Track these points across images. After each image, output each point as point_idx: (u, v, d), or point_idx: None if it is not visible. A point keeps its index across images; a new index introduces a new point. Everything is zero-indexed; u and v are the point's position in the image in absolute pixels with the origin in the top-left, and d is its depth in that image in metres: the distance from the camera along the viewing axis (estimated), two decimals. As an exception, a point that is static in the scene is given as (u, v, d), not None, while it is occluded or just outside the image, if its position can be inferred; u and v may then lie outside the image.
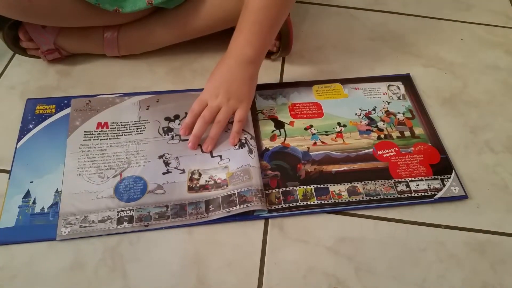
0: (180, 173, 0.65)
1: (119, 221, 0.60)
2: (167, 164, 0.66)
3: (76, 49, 0.79)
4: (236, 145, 0.68)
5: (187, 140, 0.68)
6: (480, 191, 0.67)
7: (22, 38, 0.76)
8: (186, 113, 0.71)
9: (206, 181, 0.64)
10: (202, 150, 0.68)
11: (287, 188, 0.65)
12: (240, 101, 0.68)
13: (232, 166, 0.65)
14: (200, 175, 0.65)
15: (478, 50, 0.90)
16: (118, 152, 0.67)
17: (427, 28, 0.94)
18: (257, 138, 0.70)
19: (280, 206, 0.63)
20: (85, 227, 0.60)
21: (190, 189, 0.64)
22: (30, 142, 0.68)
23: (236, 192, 0.62)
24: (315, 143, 0.71)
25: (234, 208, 0.61)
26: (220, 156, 0.67)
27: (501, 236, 0.63)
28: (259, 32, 0.66)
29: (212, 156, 0.67)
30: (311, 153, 0.70)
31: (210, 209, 0.61)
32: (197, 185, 0.64)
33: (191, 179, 0.65)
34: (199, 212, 0.61)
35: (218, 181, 0.64)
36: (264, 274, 0.58)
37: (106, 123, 0.71)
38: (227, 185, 0.63)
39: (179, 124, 0.71)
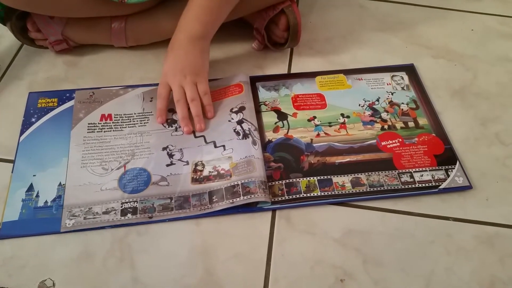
0: (184, 164, 0.65)
1: (123, 212, 0.61)
2: (171, 156, 0.66)
3: (84, 39, 0.79)
4: (212, 117, 0.70)
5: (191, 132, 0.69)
6: (489, 184, 0.67)
7: (30, 29, 0.76)
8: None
9: (210, 171, 0.64)
10: (195, 136, 0.69)
11: (290, 180, 0.65)
12: (196, 74, 0.69)
13: (236, 157, 0.65)
14: (203, 166, 0.65)
15: (488, 41, 0.89)
16: (122, 144, 0.68)
17: (437, 19, 0.93)
18: (260, 130, 0.70)
19: (283, 198, 0.63)
20: (89, 218, 0.60)
21: (194, 180, 0.64)
22: (32, 135, 0.69)
23: (239, 183, 0.62)
24: (318, 135, 0.71)
25: (238, 199, 0.61)
26: (224, 146, 0.67)
27: (510, 229, 0.62)
28: (208, 8, 0.67)
29: (215, 147, 0.67)
30: (314, 145, 0.69)
31: (214, 200, 0.61)
32: (201, 176, 0.64)
33: (194, 171, 0.65)
34: (202, 203, 0.61)
35: (222, 171, 0.64)
36: (271, 266, 0.58)
37: (109, 115, 0.71)
38: (231, 176, 0.63)
39: None
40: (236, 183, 0.62)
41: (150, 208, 0.61)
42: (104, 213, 0.60)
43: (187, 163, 0.66)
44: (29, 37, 0.78)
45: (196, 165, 0.65)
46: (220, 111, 0.71)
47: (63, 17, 0.75)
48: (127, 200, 0.62)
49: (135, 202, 0.62)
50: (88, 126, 0.69)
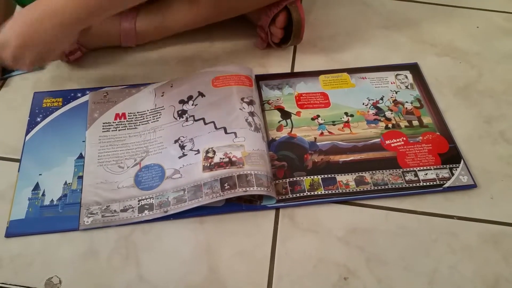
0: (195, 154, 0.65)
1: (140, 209, 0.61)
2: (182, 147, 0.66)
3: (96, 43, 0.80)
4: None
5: (201, 120, 0.68)
6: (494, 182, 0.66)
7: None
8: (199, 92, 0.71)
9: (221, 158, 0.63)
10: (205, 122, 0.68)
11: (294, 179, 0.65)
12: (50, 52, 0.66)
13: (248, 147, 0.64)
14: (214, 153, 0.64)
15: (494, 38, 0.88)
16: (136, 141, 0.68)
17: (442, 16, 0.92)
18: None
19: (287, 197, 0.63)
20: (107, 216, 0.61)
21: (205, 168, 0.63)
22: (38, 135, 0.69)
23: (253, 173, 0.61)
24: (322, 133, 0.71)
25: (252, 188, 0.60)
26: (235, 133, 0.66)
27: (514, 227, 0.62)
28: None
29: (226, 133, 0.66)
30: (318, 143, 0.69)
31: (226, 188, 0.60)
32: (212, 163, 0.63)
33: (205, 158, 0.64)
34: (214, 191, 0.60)
35: (234, 159, 0.63)
36: (275, 264, 0.58)
37: (123, 114, 0.72)
38: (243, 165, 0.62)
39: (192, 105, 0.71)
40: (249, 172, 0.61)
41: (165, 202, 0.61)
42: (122, 211, 0.61)
43: (198, 151, 0.65)
44: None
45: (207, 152, 0.64)
46: (231, 97, 0.70)
47: None
48: (144, 197, 0.62)
49: (151, 198, 0.62)
50: (103, 126, 0.70)
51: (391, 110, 0.74)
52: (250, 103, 0.70)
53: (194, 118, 0.69)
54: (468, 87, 0.79)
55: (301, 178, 0.65)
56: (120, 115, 0.72)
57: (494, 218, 0.63)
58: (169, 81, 0.75)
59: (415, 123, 0.72)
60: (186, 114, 0.70)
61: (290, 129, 0.71)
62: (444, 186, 0.65)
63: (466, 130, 0.72)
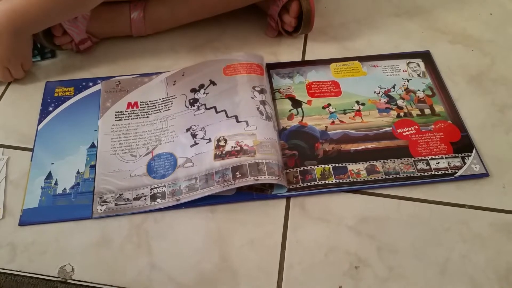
0: (207, 142, 0.65)
1: (153, 197, 0.62)
2: (194, 136, 0.67)
3: (106, 33, 0.80)
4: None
5: (212, 108, 0.68)
6: (506, 171, 0.66)
7: (56, 34, 0.75)
8: (211, 81, 0.71)
9: (232, 147, 0.63)
10: (216, 111, 0.68)
11: (305, 168, 0.65)
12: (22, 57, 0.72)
13: (260, 136, 0.64)
14: (226, 141, 0.64)
15: (508, 25, 0.87)
16: (148, 130, 0.69)
17: (454, 3, 0.91)
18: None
19: (298, 185, 0.63)
20: (120, 204, 0.61)
21: (217, 157, 0.63)
22: (50, 124, 0.70)
23: (264, 161, 0.61)
24: (333, 122, 0.70)
25: (263, 177, 0.60)
26: (246, 122, 0.66)
27: (527, 217, 0.62)
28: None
29: (237, 121, 0.66)
30: (329, 132, 0.69)
31: (237, 176, 0.60)
32: (223, 152, 0.63)
33: (217, 147, 0.64)
34: (226, 179, 0.60)
35: (245, 147, 0.63)
36: (286, 252, 0.58)
37: (136, 103, 0.72)
38: (255, 153, 0.62)
39: (204, 93, 0.71)
40: (260, 161, 0.61)
41: (178, 191, 0.62)
42: (135, 199, 0.62)
43: (210, 140, 0.65)
44: (54, 43, 0.77)
45: (218, 141, 0.65)
46: (242, 85, 0.70)
47: (86, 14, 0.75)
48: (156, 185, 0.63)
49: (164, 187, 0.62)
50: (115, 115, 0.70)
51: (403, 99, 0.73)
52: (262, 91, 0.70)
53: (205, 106, 0.69)
54: (481, 75, 0.78)
55: (312, 167, 0.65)
56: (132, 104, 0.72)
57: (506, 207, 0.63)
58: (181, 70, 0.75)
59: (427, 111, 0.72)
60: (198, 103, 0.70)
61: (301, 118, 0.71)
62: (456, 175, 0.64)
63: (479, 118, 0.72)
